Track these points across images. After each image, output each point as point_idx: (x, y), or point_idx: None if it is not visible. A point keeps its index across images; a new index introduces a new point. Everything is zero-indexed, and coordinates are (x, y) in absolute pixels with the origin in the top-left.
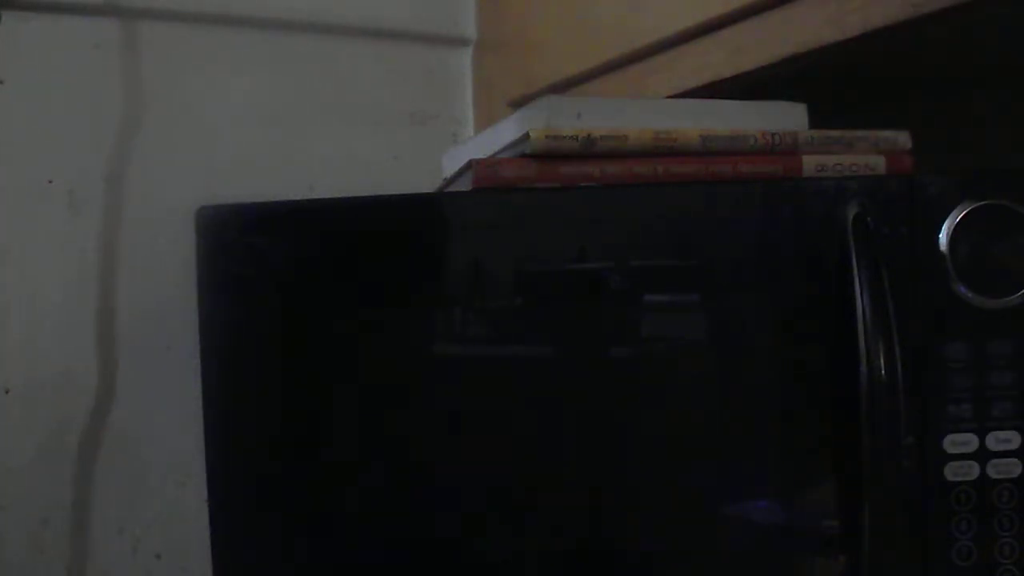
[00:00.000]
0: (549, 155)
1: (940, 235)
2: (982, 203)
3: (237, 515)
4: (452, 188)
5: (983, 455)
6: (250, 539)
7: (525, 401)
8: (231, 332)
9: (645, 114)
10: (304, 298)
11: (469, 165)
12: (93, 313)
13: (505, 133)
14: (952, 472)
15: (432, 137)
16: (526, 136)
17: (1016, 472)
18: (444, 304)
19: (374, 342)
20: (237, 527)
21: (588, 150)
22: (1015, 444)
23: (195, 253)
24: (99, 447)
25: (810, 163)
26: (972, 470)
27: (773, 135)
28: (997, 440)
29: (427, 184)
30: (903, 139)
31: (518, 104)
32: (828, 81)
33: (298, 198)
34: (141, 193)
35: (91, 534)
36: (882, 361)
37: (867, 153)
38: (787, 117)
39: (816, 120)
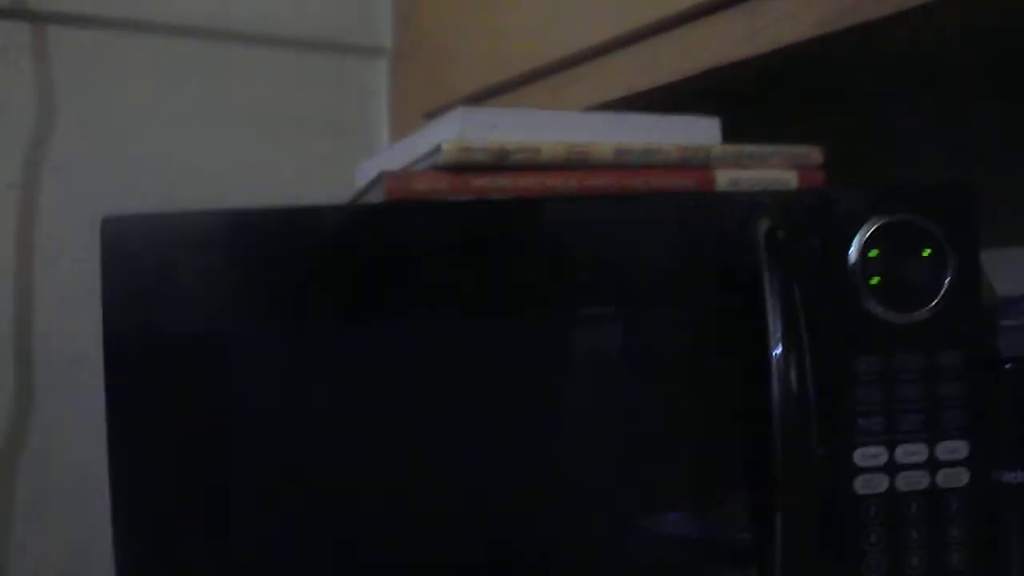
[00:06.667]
0: (462, 167)
1: (851, 250)
2: (891, 218)
3: (141, 534)
4: (364, 200)
5: (892, 468)
6: (156, 558)
7: (436, 414)
8: (135, 345)
9: (560, 126)
10: (210, 311)
11: (380, 177)
12: (3, 323)
13: (418, 145)
14: (862, 485)
15: (347, 149)
16: (438, 148)
17: (924, 484)
18: (355, 319)
19: (279, 356)
20: (141, 547)
21: (501, 163)
22: (923, 457)
23: (100, 264)
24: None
25: (723, 177)
26: (882, 483)
27: (687, 149)
28: (906, 453)
29: (342, 196)
30: (815, 154)
31: (434, 116)
32: (742, 95)
33: (209, 208)
34: (52, 202)
35: None
36: (793, 375)
37: (779, 168)
38: (701, 131)
39: (730, 134)
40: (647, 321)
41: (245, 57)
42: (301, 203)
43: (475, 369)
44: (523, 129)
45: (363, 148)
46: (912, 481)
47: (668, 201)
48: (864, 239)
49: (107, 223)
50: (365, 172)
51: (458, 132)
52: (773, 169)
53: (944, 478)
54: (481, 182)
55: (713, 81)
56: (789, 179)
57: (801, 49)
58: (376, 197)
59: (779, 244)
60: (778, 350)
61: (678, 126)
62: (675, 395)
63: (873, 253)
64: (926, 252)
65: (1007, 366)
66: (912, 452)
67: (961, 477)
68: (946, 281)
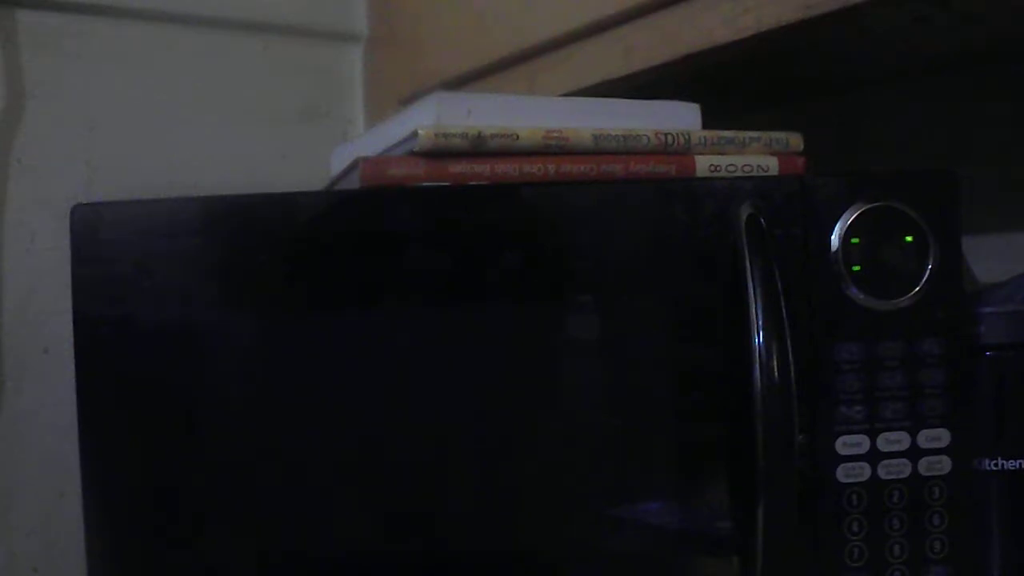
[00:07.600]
0: (438, 153)
1: (832, 237)
2: (873, 205)
3: (113, 527)
4: (339, 187)
5: (874, 456)
6: (126, 552)
7: (413, 406)
8: (106, 335)
9: (537, 112)
10: (183, 299)
11: (356, 163)
12: None
13: (394, 130)
14: (844, 473)
15: (322, 135)
16: (414, 133)
17: (906, 473)
18: (329, 306)
19: (253, 344)
20: (112, 540)
21: (478, 148)
22: (905, 445)
23: (70, 253)
24: None
25: (703, 163)
26: (863, 471)
27: (666, 135)
28: (887, 441)
29: (316, 183)
30: (795, 140)
31: (409, 102)
32: (722, 81)
33: (182, 195)
34: (21, 190)
35: None
36: (775, 363)
37: (760, 154)
38: (680, 117)
39: (709, 120)
40: (626, 308)
41: (218, 43)
42: (276, 190)
43: (451, 357)
44: (500, 114)
45: (338, 134)
46: (894, 469)
47: (647, 187)
48: (846, 226)
49: (77, 210)
50: (340, 158)
51: (435, 117)
52: (753, 155)
53: (926, 466)
54: (458, 168)
55: (691, 68)
56: (770, 165)
57: (784, 33)
58: (351, 183)
59: (761, 230)
60: (760, 337)
61: (657, 112)
62: (655, 383)
63: (855, 240)
64: (908, 239)
65: (988, 354)
66: (894, 440)
67: (943, 465)
68: (928, 268)
